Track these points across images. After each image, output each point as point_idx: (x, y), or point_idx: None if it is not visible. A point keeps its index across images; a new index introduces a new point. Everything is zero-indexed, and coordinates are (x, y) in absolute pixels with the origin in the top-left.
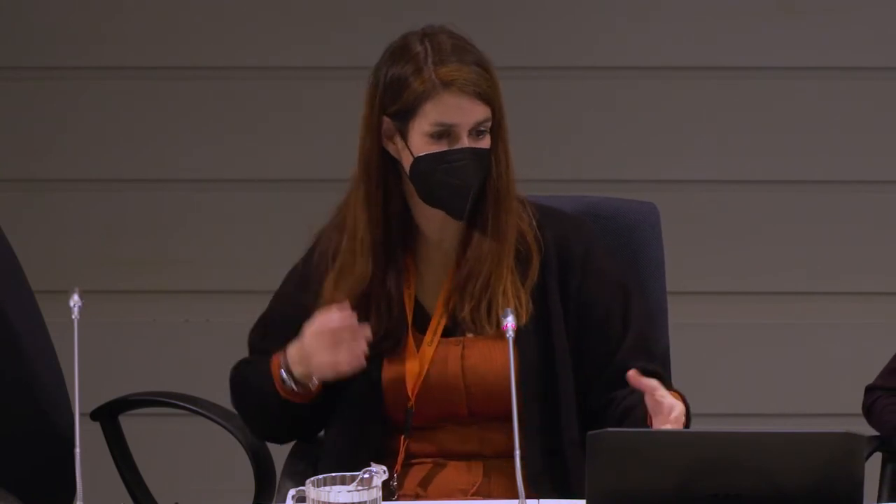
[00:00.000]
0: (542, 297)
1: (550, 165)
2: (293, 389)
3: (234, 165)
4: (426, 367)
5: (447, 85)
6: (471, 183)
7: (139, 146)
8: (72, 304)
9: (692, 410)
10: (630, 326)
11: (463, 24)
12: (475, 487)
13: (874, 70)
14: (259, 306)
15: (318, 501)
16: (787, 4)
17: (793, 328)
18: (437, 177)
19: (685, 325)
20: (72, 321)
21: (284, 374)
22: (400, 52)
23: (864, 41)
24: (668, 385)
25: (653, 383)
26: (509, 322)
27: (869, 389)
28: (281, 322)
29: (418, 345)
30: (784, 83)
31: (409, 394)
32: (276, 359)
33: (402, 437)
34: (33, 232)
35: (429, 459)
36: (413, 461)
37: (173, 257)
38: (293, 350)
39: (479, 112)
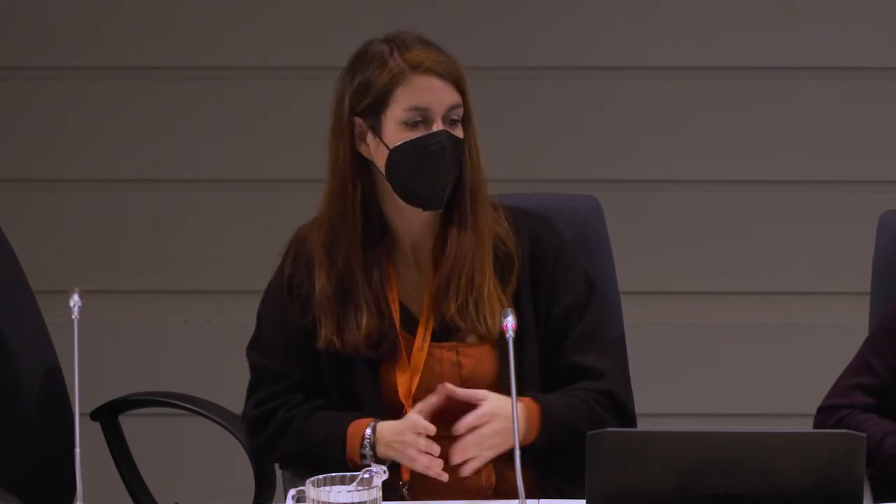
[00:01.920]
0: (519, 300)
1: (550, 165)
2: (366, 462)
3: (234, 165)
4: (418, 374)
5: (415, 67)
6: (449, 167)
7: (139, 146)
8: (72, 304)
9: (692, 410)
10: (584, 321)
11: (463, 24)
12: (491, 491)
13: (874, 70)
14: (258, 306)
15: (318, 501)
16: (787, 4)
17: (793, 328)
18: (413, 165)
19: (685, 326)
20: (72, 321)
21: (368, 452)
22: (364, 55)
23: (864, 41)
24: (612, 383)
25: (478, 394)
26: (509, 322)
27: (824, 409)
28: (276, 342)
29: (409, 349)
30: (784, 83)
31: (403, 401)
32: (357, 431)
33: None
34: (33, 232)
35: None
36: None
37: (173, 257)
38: (387, 434)
39: (451, 95)
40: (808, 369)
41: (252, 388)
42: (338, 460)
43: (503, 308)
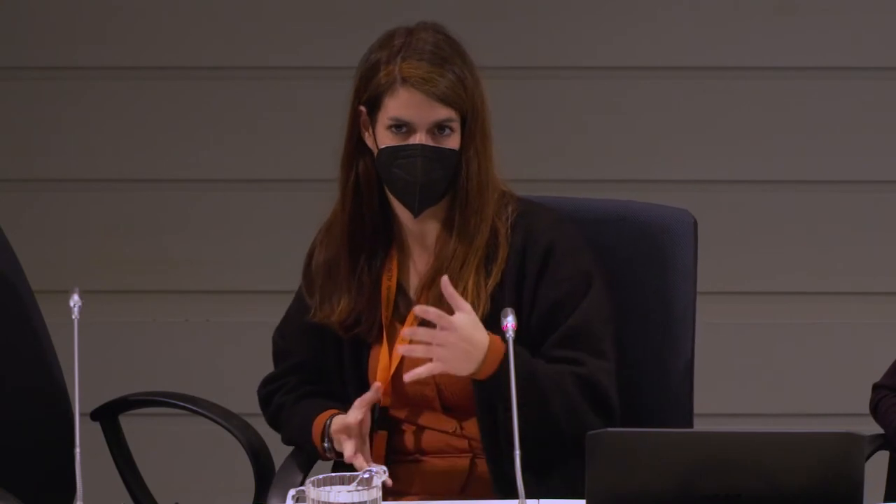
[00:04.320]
0: (501, 294)
1: (550, 166)
2: (329, 454)
3: (234, 165)
4: (395, 362)
5: (404, 81)
6: (419, 179)
7: (139, 146)
8: (72, 304)
9: (693, 410)
10: (573, 317)
11: (463, 24)
12: (462, 485)
13: (874, 70)
14: (259, 306)
15: (318, 501)
16: (787, 5)
17: (793, 328)
18: (392, 171)
19: None
20: (72, 321)
21: (327, 445)
22: (385, 39)
23: (864, 41)
24: (591, 372)
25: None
26: (509, 322)
27: (875, 388)
28: (296, 325)
29: (394, 334)
30: (784, 83)
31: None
32: (319, 425)
33: (377, 431)
34: (33, 232)
35: (411, 456)
36: (402, 457)
37: (173, 257)
38: (335, 429)
39: (438, 113)
40: (808, 369)
41: (274, 365)
42: (313, 450)
43: (480, 305)
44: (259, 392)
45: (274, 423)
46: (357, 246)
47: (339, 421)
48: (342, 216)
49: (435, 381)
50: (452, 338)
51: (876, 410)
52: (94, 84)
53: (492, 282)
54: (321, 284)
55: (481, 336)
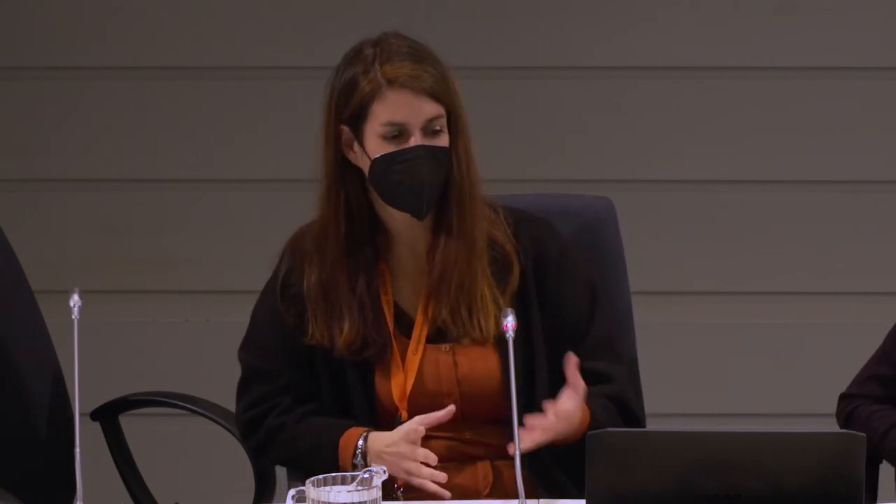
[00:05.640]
0: (523, 303)
1: (550, 166)
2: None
3: (235, 165)
4: (412, 376)
5: (391, 82)
6: (425, 180)
7: (139, 146)
8: (72, 304)
9: (693, 410)
10: (594, 326)
11: (464, 24)
12: (488, 489)
13: (874, 70)
14: None
15: (318, 501)
16: (787, 5)
17: (793, 328)
18: (393, 177)
19: (686, 326)
20: (72, 321)
21: (360, 462)
22: (352, 57)
23: (864, 41)
24: (622, 388)
25: (577, 384)
26: (509, 322)
27: (844, 397)
28: (267, 342)
29: (404, 351)
30: (784, 83)
31: (398, 405)
32: (349, 441)
33: None
34: (33, 232)
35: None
36: None
37: (173, 257)
38: (379, 444)
39: (428, 109)
40: (807, 369)
41: (242, 389)
42: (330, 468)
43: (499, 310)
44: (242, 416)
45: (265, 445)
46: (354, 267)
47: (392, 439)
48: (335, 238)
49: (460, 391)
50: (562, 426)
51: (850, 420)
52: (94, 84)
53: (510, 288)
54: (314, 305)
55: (581, 414)
